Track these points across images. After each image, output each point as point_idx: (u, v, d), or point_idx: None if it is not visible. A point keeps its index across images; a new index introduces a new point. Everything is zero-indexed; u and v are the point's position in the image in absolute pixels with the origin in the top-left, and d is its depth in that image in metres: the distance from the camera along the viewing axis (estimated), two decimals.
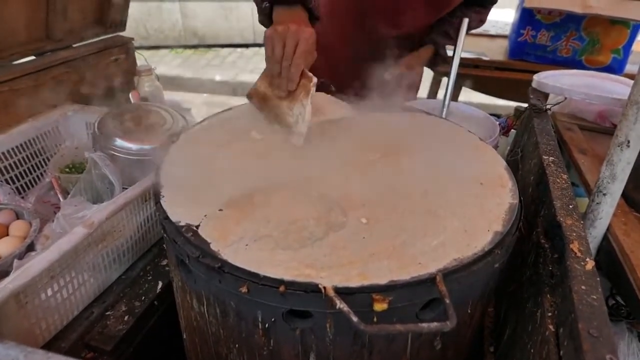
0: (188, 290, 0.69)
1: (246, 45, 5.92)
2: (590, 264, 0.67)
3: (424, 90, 3.32)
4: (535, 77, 1.37)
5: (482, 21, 1.47)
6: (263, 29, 0.99)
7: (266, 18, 0.99)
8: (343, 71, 1.34)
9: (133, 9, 1.80)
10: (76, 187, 1.12)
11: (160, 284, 1.01)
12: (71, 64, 1.53)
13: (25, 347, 0.60)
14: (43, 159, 1.34)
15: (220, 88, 4.85)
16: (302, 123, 0.87)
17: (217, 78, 4.93)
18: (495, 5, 1.47)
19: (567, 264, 0.67)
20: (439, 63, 1.47)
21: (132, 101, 1.44)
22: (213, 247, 0.60)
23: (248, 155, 0.83)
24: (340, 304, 0.52)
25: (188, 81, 4.90)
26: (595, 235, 0.87)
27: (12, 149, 1.25)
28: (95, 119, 1.24)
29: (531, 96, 1.33)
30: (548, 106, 1.26)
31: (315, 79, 0.88)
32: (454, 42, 1.25)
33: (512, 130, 1.57)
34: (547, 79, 1.35)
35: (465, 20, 1.15)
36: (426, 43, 1.48)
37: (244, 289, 0.57)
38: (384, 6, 1.31)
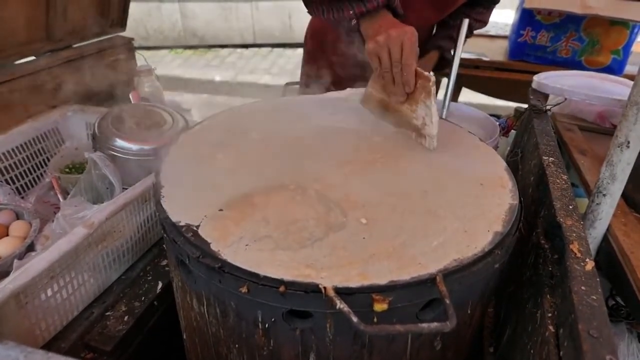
0: (188, 291, 0.69)
1: (246, 46, 5.92)
2: (590, 265, 0.67)
3: None
4: (535, 77, 1.37)
5: (484, 22, 1.48)
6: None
7: (358, 35, 0.99)
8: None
9: (133, 9, 1.80)
10: (76, 187, 1.12)
11: (160, 285, 1.01)
12: (71, 65, 1.53)
13: (25, 348, 0.61)
14: (43, 160, 1.34)
15: (220, 88, 4.85)
16: (430, 125, 0.84)
17: (217, 78, 4.93)
18: (495, 6, 1.48)
19: (567, 264, 0.67)
20: (445, 67, 1.48)
21: (132, 101, 1.44)
22: (213, 247, 0.60)
23: (248, 155, 0.83)
24: (340, 304, 0.52)
25: (188, 82, 4.90)
26: (595, 235, 0.87)
27: (12, 149, 1.25)
28: (95, 119, 1.24)
29: (531, 97, 1.33)
30: (548, 107, 1.26)
31: (433, 78, 0.85)
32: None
33: (512, 130, 1.57)
34: (547, 79, 1.35)
35: (465, 22, 1.15)
36: (431, 48, 1.49)
37: (244, 289, 0.57)
38: None
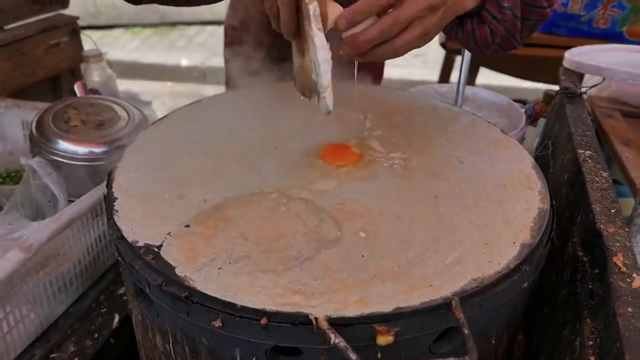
0: (150, 326, 0.69)
1: (218, 23, 5.92)
2: (638, 281, 0.67)
3: (434, 73, 3.34)
4: (567, 54, 1.38)
5: None
6: None
7: None
8: None
9: None
10: (11, 201, 1.11)
11: (117, 318, 1.01)
12: (2, 50, 1.52)
13: None
14: None
15: (187, 75, 4.85)
16: (323, 75, 0.64)
17: (184, 63, 4.93)
18: None
19: (610, 280, 0.68)
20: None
21: (78, 94, 1.44)
22: (179, 272, 0.60)
23: (221, 157, 0.83)
24: (336, 339, 0.52)
25: (148, 67, 4.90)
26: None
27: None
28: (32, 116, 1.23)
29: (563, 77, 1.34)
30: (583, 89, 1.27)
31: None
32: None
33: (541, 119, 1.58)
34: (582, 56, 1.36)
35: None
36: None
37: (217, 323, 0.57)
38: None
